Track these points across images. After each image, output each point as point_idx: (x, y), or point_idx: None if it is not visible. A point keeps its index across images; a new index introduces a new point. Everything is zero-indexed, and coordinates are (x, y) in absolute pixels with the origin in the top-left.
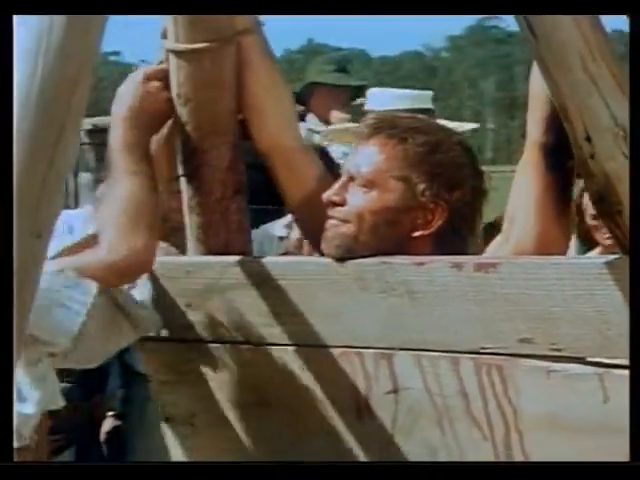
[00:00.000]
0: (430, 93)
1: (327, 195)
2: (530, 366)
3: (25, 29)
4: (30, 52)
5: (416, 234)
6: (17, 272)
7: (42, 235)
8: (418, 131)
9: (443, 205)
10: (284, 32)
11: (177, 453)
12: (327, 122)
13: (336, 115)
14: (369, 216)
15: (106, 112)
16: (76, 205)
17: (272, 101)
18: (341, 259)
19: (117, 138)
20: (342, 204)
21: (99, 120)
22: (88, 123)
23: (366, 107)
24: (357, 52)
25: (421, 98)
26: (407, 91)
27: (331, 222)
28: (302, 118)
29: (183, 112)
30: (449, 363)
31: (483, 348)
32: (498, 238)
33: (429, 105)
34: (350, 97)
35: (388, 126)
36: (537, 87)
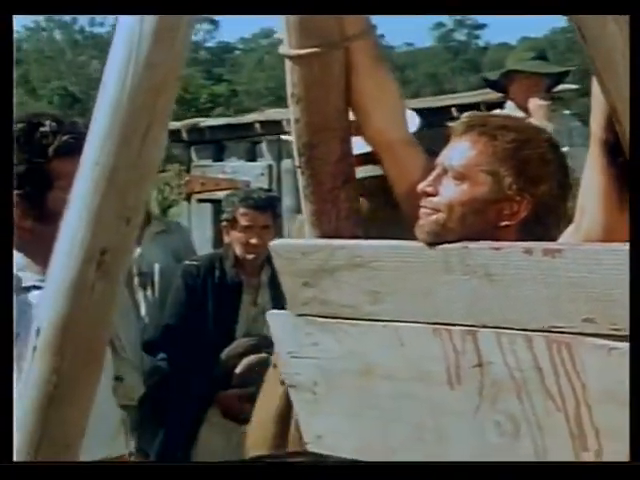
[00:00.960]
0: None
1: (421, 186)
2: (593, 344)
3: (118, 40)
4: (122, 61)
5: (502, 224)
6: (106, 255)
7: (130, 220)
8: (508, 129)
9: (528, 198)
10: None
11: (303, 418)
12: (525, 109)
13: (534, 102)
14: (458, 206)
15: None
16: (279, 188)
17: (378, 100)
18: (430, 244)
19: None
20: (434, 194)
21: None
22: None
23: None
24: None
25: None
26: None
27: (423, 211)
28: (501, 105)
29: (296, 110)
30: (524, 340)
31: (553, 327)
32: (570, 227)
33: None
34: (550, 84)
35: (480, 124)
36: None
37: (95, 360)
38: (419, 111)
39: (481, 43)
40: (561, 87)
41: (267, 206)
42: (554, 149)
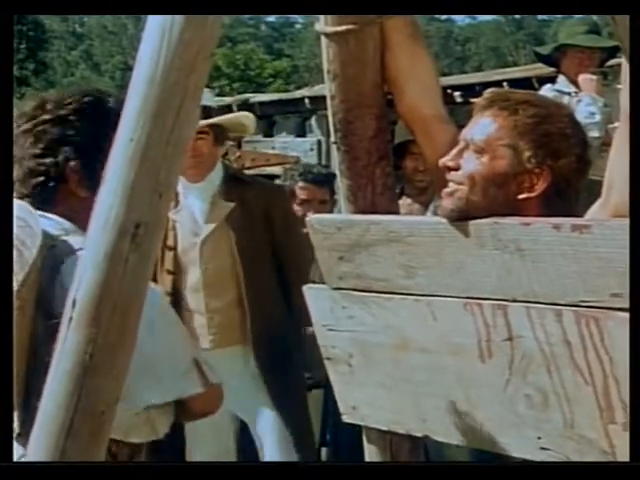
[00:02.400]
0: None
1: (443, 161)
2: (621, 318)
3: (153, 18)
4: (155, 39)
5: (522, 196)
6: (140, 229)
7: (163, 195)
8: (529, 104)
9: (547, 170)
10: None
11: (338, 389)
12: (577, 84)
13: (585, 76)
14: (480, 179)
15: None
16: (328, 163)
17: (412, 76)
18: (460, 219)
19: None
20: (457, 169)
21: None
22: None
23: None
24: None
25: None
26: None
27: (446, 191)
28: (553, 80)
29: (332, 87)
30: (554, 314)
31: (582, 301)
32: (598, 202)
33: (208, 103)
34: (603, 58)
35: (501, 99)
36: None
37: (129, 331)
38: (470, 86)
39: (544, 16)
40: (614, 61)
41: (325, 181)
42: (574, 124)
